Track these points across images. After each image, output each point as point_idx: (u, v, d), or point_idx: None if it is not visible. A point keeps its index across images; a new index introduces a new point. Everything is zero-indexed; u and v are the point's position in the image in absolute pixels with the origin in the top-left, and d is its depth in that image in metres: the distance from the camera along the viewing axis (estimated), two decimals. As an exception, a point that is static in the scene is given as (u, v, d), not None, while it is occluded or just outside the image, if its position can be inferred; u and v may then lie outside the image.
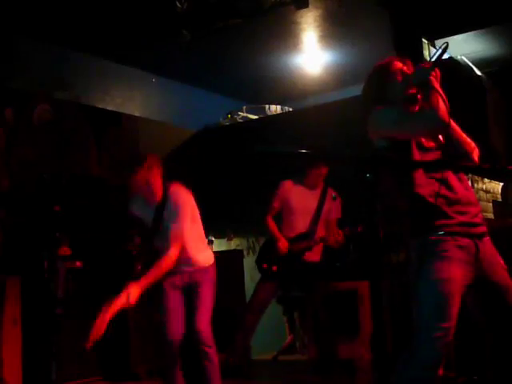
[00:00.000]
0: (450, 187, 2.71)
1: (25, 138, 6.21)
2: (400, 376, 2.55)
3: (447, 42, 2.63)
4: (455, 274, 2.61)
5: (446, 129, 2.62)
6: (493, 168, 2.54)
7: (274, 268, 5.37)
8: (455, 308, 2.60)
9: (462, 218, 2.69)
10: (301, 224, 5.38)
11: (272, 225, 5.51)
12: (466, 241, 2.67)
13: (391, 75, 2.90)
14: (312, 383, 5.07)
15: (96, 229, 6.28)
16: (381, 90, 2.91)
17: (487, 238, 2.76)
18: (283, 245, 5.34)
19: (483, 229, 2.77)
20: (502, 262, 2.77)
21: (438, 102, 2.61)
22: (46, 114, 6.46)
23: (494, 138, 5.77)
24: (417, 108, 2.80)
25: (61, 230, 5.18)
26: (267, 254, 5.49)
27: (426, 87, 2.68)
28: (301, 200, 5.40)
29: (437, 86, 2.65)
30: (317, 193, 5.40)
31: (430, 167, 2.67)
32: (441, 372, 2.57)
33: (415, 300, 2.66)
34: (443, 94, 2.63)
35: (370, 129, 2.81)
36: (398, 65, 2.92)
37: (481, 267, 2.69)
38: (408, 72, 2.88)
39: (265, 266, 5.43)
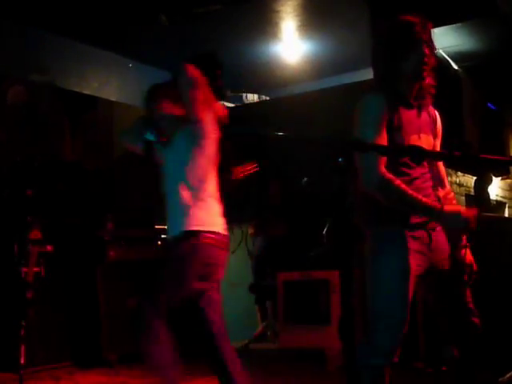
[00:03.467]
0: (411, 174, 2.71)
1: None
2: (358, 363, 2.58)
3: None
4: (409, 264, 2.63)
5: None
6: (464, 156, 2.53)
7: None
8: (409, 297, 2.62)
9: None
10: None
11: None
12: (420, 232, 2.69)
13: (415, 43, 2.70)
14: (283, 372, 5.07)
15: (69, 213, 6.23)
16: (396, 61, 2.73)
17: (439, 228, 2.77)
18: None
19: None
20: (448, 248, 2.79)
21: None
22: (20, 96, 6.38)
23: (469, 131, 5.80)
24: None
25: (32, 214, 5.12)
26: None
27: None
28: None
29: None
30: None
31: (402, 153, 2.65)
32: (396, 360, 2.60)
33: (369, 289, 2.68)
34: None
35: (355, 118, 2.76)
36: (424, 33, 2.70)
37: (432, 256, 2.71)
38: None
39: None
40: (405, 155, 2.64)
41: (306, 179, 5.12)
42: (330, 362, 5.09)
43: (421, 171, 2.73)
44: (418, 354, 4.86)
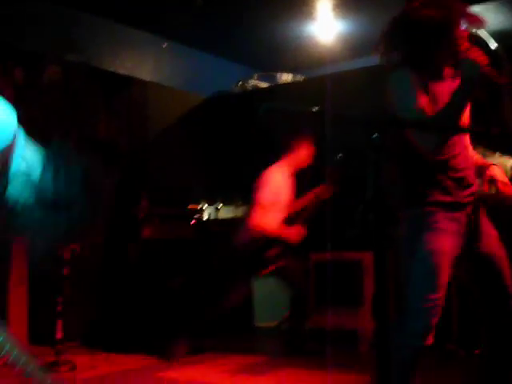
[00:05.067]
0: (453, 156, 2.68)
1: (33, 99, 6.19)
2: (392, 343, 2.57)
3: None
4: (446, 245, 2.61)
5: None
6: (503, 133, 2.50)
7: None
8: (445, 279, 2.60)
9: (456, 189, 2.67)
10: None
11: None
12: (458, 213, 2.66)
13: (451, 41, 2.65)
14: (314, 353, 5.08)
15: (105, 191, 6.29)
16: (423, 50, 2.69)
17: (481, 209, 2.75)
18: None
19: (477, 200, 2.75)
20: (494, 232, 2.76)
21: (460, 107, 2.56)
22: (56, 76, 6.43)
23: (509, 113, 5.69)
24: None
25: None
26: None
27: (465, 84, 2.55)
28: None
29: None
30: None
31: (442, 130, 2.61)
32: (430, 341, 2.59)
33: (406, 271, 2.67)
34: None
35: (388, 95, 2.73)
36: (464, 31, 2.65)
37: (472, 238, 2.68)
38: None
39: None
40: (444, 131, 2.60)
41: (340, 155, 5.04)
42: (362, 342, 5.09)
43: (459, 149, 2.70)
44: (450, 337, 4.83)
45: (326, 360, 4.63)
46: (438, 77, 2.70)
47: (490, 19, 6.20)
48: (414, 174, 2.72)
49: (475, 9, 6.04)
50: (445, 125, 2.53)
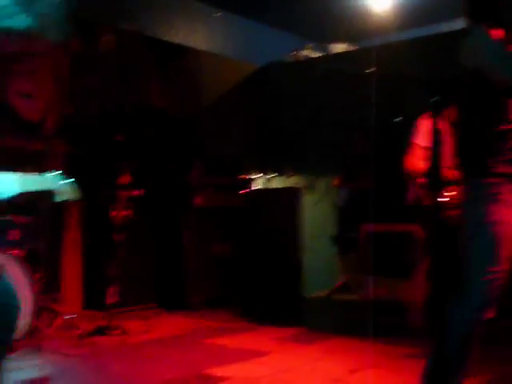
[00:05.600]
0: None
1: (89, 68, 6.25)
2: (451, 317, 2.54)
3: None
4: (509, 217, 2.55)
5: None
6: None
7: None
8: (507, 251, 2.55)
9: None
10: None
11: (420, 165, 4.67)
12: None
13: None
14: (363, 324, 5.08)
15: (158, 159, 6.37)
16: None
17: None
18: None
19: None
20: None
21: None
22: (111, 45, 6.48)
23: None
24: None
25: (122, 159, 5.25)
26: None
27: None
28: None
29: None
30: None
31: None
32: (491, 314, 2.55)
33: (467, 242, 2.62)
34: None
35: (466, 47, 2.67)
36: None
37: None
38: None
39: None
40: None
41: (400, 118, 4.87)
42: (411, 315, 5.06)
43: None
44: (506, 312, 4.75)
45: (376, 332, 4.62)
46: None
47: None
48: (478, 143, 2.66)
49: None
50: None
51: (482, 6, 2.72)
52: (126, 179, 5.19)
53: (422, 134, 4.66)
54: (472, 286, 2.56)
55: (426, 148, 4.58)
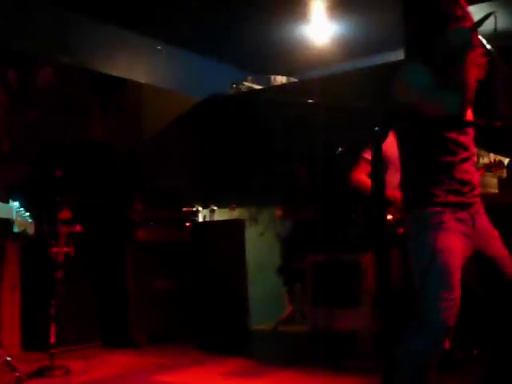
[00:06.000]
0: (462, 159, 2.66)
1: (27, 102, 6.15)
2: (406, 347, 2.51)
3: (495, 13, 2.51)
4: (456, 245, 2.58)
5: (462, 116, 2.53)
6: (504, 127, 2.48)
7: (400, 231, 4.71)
8: (457, 278, 2.56)
9: (463, 190, 2.66)
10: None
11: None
12: (463, 214, 2.64)
13: (454, 18, 2.61)
14: (312, 355, 5.05)
15: (98, 194, 6.26)
16: (432, 33, 2.66)
17: (482, 211, 2.73)
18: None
19: (479, 202, 2.74)
20: (496, 233, 2.73)
21: (468, 75, 2.51)
22: (50, 78, 6.39)
23: (504, 112, 5.67)
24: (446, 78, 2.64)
25: (62, 194, 5.13)
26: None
27: (460, 52, 2.54)
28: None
29: (472, 54, 2.53)
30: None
31: (446, 126, 2.57)
32: (447, 345, 2.53)
33: (417, 271, 2.63)
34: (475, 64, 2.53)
35: (398, 83, 2.70)
36: (454, 9, 2.62)
37: (477, 240, 2.66)
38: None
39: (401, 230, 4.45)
40: (450, 125, 2.57)
41: (340, 149, 4.89)
42: (360, 344, 5.05)
43: (469, 153, 2.69)
44: (449, 338, 4.80)
45: (325, 362, 4.61)
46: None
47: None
48: (421, 173, 2.69)
49: (471, 8, 6.06)
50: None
51: (416, 41, 2.77)
52: (66, 214, 5.08)
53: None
54: (426, 316, 2.55)
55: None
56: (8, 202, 3.66)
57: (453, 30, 2.55)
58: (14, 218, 3.61)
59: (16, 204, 3.66)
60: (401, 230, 4.50)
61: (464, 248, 2.60)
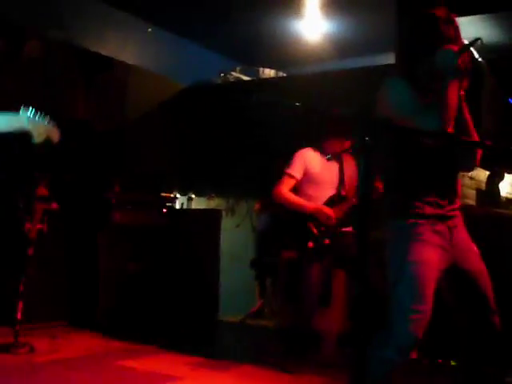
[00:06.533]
0: (438, 170, 2.67)
1: (10, 71, 6.05)
2: (373, 355, 2.52)
3: (481, 39, 2.51)
4: (431, 257, 2.60)
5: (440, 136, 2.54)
6: (485, 145, 2.50)
7: (327, 241, 4.76)
8: (430, 291, 2.58)
9: (441, 203, 2.67)
10: (324, 198, 4.85)
11: (296, 197, 4.88)
12: (441, 226, 2.66)
13: (439, 40, 2.61)
14: (276, 351, 5.05)
15: (77, 173, 6.20)
16: (423, 53, 2.65)
17: (461, 224, 2.75)
18: (330, 212, 4.72)
19: (459, 216, 2.76)
20: (474, 247, 2.75)
21: (450, 99, 2.51)
22: (36, 51, 6.31)
23: (487, 126, 5.72)
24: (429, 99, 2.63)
25: (40, 171, 5.08)
26: (300, 232, 4.86)
27: (445, 75, 2.53)
28: (324, 171, 4.91)
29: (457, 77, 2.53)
30: (335, 164, 4.94)
31: (430, 138, 2.58)
32: (414, 355, 2.56)
33: (391, 281, 2.64)
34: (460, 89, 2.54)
35: (379, 97, 2.70)
36: (449, 29, 2.63)
37: (454, 253, 2.68)
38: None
39: (311, 244, 4.78)
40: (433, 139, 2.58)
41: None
42: (325, 345, 5.06)
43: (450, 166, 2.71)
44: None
45: (290, 360, 4.62)
46: (427, 96, 2.66)
47: (475, 32, 6.24)
48: (401, 184, 2.71)
49: (461, 20, 6.07)
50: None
51: (406, 56, 2.77)
52: (42, 191, 5.02)
53: (299, 165, 4.79)
54: (396, 325, 2.57)
55: (297, 179, 4.74)
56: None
57: (441, 51, 2.54)
58: (27, 127, 3.17)
59: (28, 112, 3.20)
60: (327, 241, 4.64)
61: (440, 261, 2.62)
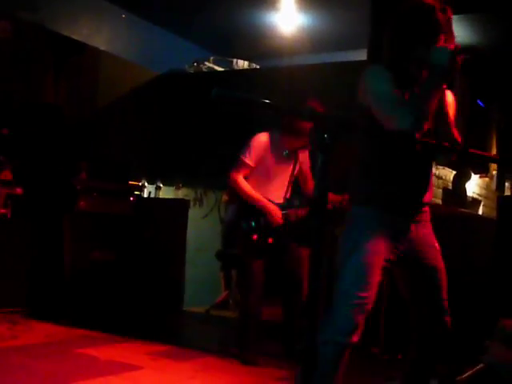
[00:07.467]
0: (405, 163, 2.67)
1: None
2: (318, 338, 2.53)
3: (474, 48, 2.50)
4: (378, 246, 2.61)
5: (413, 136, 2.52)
6: (452, 148, 2.50)
7: (270, 240, 4.71)
8: (375, 279, 2.59)
9: (406, 196, 2.68)
10: (278, 191, 4.81)
11: (250, 189, 4.73)
12: (400, 218, 2.67)
13: (437, 35, 2.57)
14: (238, 342, 5.05)
15: (43, 158, 6.12)
16: (411, 45, 2.61)
17: (427, 220, 2.76)
18: (278, 215, 4.69)
19: (426, 210, 2.77)
20: (436, 244, 2.77)
21: (432, 96, 2.47)
22: (5, 32, 6.21)
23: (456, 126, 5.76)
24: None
25: (5, 154, 5.02)
26: (253, 223, 4.72)
27: (437, 72, 2.48)
28: (278, 166, 4.81)
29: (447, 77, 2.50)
30: (290, 161, 4.84)
31: (398, 139, 2.58)
32: (355, 339, 2.56)
33: (338, 265, 2.66)
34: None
35: (360, 83, 2.68)
36: (444, 19, 2.58)
37: (412, 247, 2.69)
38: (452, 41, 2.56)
39: (255, 237, 4.69)
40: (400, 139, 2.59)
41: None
42: (286, 334, 5.07)
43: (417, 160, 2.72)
44: (376, 340, 4.87)
45: (252, 351, 4.62)
46: (413, 87, 2.64)
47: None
48: (368, 172, 2.71)
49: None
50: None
51: (390, 44, 2.73)
52: (7, 175, 4.96)
53: (255, 152, 4.73)
54: (338, 309, 2.59)
55: (251, 167, 4.69)
56: None
57: (438, 47, 2.50)
58: None
59: None
60: (270, 240, 4.64)
61: (388, 251, 2.63)
